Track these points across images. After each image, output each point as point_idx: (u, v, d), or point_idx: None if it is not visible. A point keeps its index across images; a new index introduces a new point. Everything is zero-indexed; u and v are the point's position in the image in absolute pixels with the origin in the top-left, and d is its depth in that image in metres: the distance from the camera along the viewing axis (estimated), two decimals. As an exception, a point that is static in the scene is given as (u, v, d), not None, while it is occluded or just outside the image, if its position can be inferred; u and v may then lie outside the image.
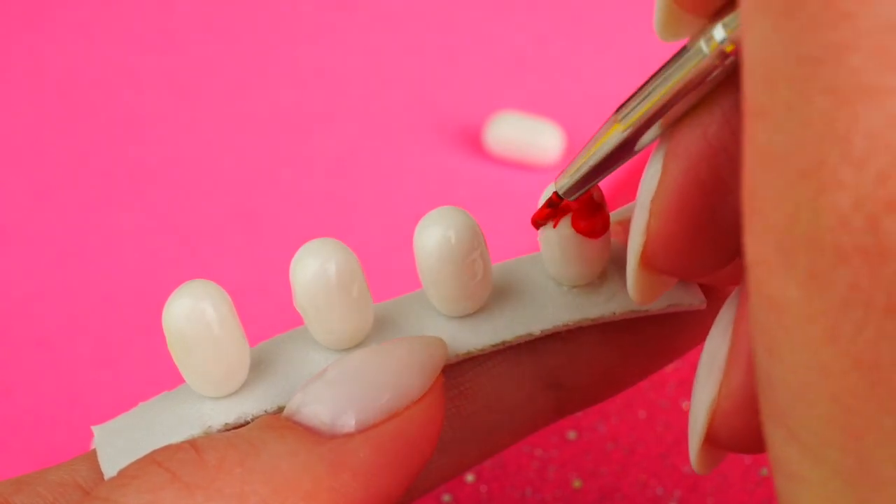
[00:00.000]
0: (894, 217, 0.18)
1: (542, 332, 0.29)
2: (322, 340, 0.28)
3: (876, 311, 0.18)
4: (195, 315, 0.27)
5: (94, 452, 0.28)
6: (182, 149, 0.53)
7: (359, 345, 0.29)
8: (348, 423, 0.26)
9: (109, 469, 0.27)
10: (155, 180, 0.52)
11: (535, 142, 0.51)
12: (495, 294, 0.30)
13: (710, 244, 0.25)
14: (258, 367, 0.28)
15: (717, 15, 0.23)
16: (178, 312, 0.27)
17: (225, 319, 0.27)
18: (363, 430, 0.26)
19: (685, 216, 0.25)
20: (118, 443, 0.28)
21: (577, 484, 0.40)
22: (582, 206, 0.28)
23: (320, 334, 0.28)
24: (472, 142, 0.52)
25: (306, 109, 0.54)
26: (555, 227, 0.28)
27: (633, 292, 0.26)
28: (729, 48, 0.23)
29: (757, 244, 0.19)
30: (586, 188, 0.26)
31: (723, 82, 0.24)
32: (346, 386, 0.26)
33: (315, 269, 0.27)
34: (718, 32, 0.23)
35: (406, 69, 0.56)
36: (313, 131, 0.53)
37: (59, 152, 0.53)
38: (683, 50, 0.24)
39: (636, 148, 0.25)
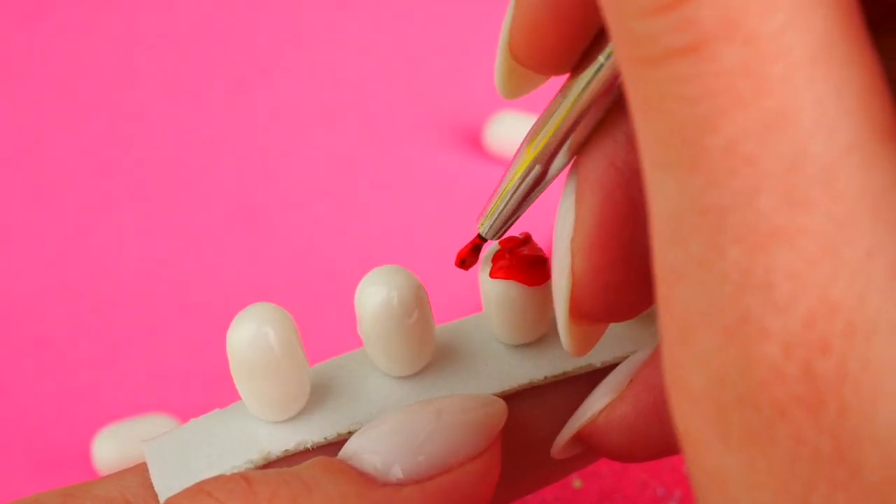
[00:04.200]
0: (828, 359, 0.17)
1: (603, 363, 0.28)
2: (384, 368, 0.28)
3: (825, 462, 0.17)
4: (259, 339, 0.26)
5: (142, 466, 0.27)
6: (181, 148, 0.53)
7: (419, 373, 0.28)
8: (398, 473, 0.25)
9: (162, 487, 0.27)
10: (154, 180, 0.52)
11: (535, 142, 0.51)
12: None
13: (637, 277, 0.24)
14: (316, 392, 0.28)
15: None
16: (242, 337, 0.26)
17: (290, 345, 0.27)
18: (416, 481, 0.25)
19: (610, 249, 0.23)
20: (171, 460, 0.27)
21: (577, 484, 0.40)
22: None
23: (382, 362, 0.28)
24: (472, 142, 0.52)
25: (306, 110, 0.54)
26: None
27: (567, 343, 0.25)
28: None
29: (685, 420, 0.18)
30: (509, 225, 0.26)
31: (622, 104, 0.23)
32: (401, 439, 0.26)
33: (381, 298, 0.27)
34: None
35: (406, 69, 0.56)
36: (313, 131, 0.53)
37: (59, 151, 0.53)
38: (579, 68, 0.23)
39: (547, 178, 0.24)
